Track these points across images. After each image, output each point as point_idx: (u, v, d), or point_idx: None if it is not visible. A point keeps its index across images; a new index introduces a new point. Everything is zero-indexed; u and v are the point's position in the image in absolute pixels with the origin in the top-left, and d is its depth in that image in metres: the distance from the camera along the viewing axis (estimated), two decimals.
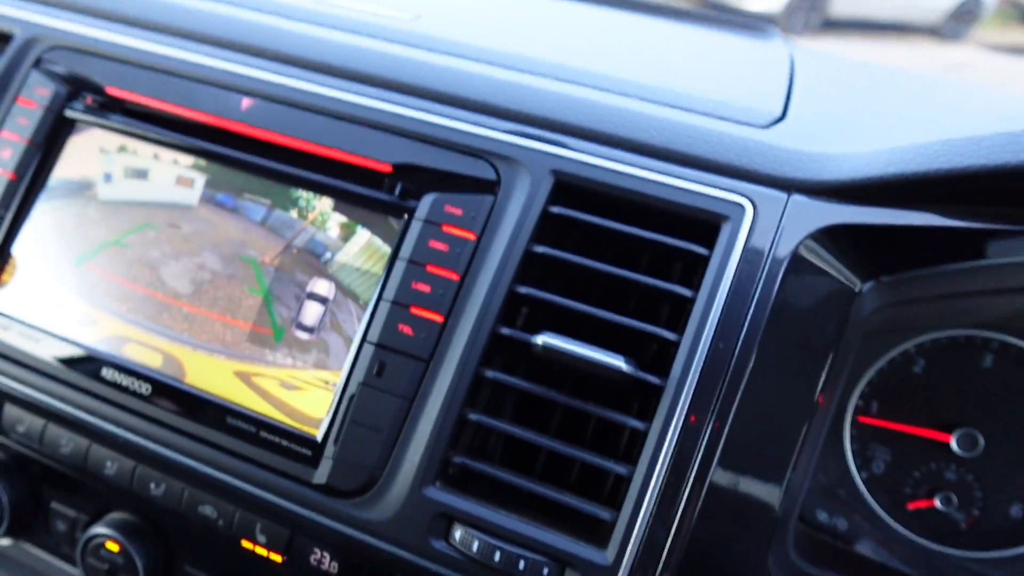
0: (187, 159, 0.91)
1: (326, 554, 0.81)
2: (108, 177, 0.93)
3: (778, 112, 0.87)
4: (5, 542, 0.98)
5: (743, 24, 1.47)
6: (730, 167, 0.77)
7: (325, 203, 0.86)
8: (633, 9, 1.39)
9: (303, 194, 0.86)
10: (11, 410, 0.93)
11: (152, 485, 0.87)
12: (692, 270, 0.79)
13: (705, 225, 0.77)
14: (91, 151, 0.94)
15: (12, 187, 0.93)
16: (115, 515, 0.90)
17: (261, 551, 0.84)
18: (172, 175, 0.91)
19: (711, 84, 0.95)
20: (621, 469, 0.72)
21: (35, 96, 0.96)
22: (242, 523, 0.83)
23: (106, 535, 0.88)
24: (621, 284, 0.78)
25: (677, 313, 0.78)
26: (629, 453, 0.75)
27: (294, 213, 0.86)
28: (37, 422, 0.91)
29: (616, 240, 0.79)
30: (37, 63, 0.98)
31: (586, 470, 0.78)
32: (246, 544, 0.84)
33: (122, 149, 0.94)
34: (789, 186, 0.76)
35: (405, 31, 0.98)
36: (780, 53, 1.22)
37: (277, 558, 0.83)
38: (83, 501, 0.93)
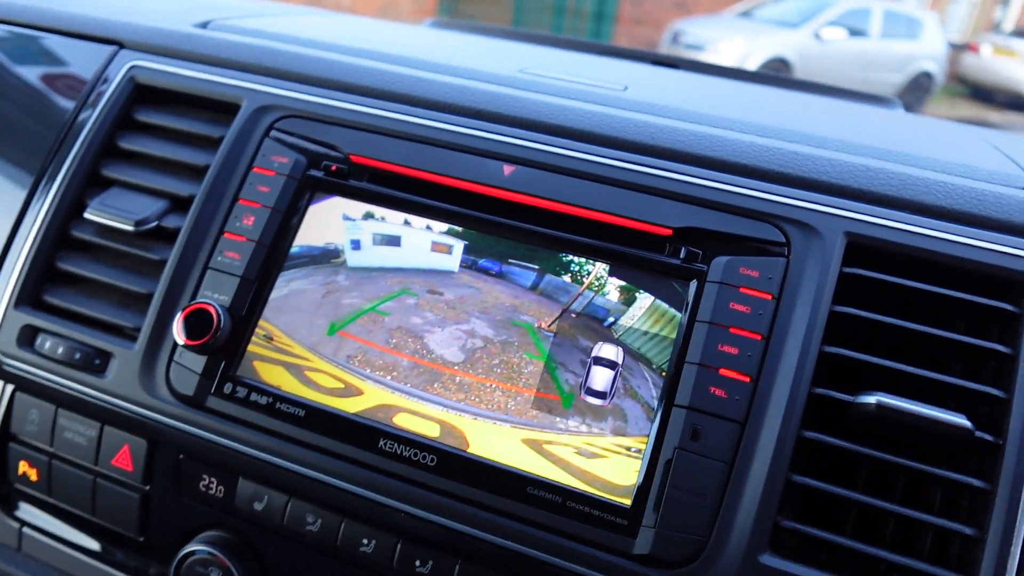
0: (441, 226, 0.91)
1: None
2: (356, 244, 0.92)
3: (1022, 173, 0.91)
4: None
5: (865, 97, 1.54)
6: (1020, 226, 0.80)
7: (599, 268, 0.86)
8: (776, 84, 1.45)
9: (574, 259, 0.86)
10: (246, 486, 0.89)
11: (418, 563, 0.83)
12: (980, 330, 0.80)
13: (1003, 283, 0.78)
14: (334, 219, 0.93)
15: (258, 254, 0.91)
16: None
17: None
18: (427, 241, 0.91)
19: (933, 148, 0.99)
20: (969, 531, 0.71)
21: (273, 164, 0.95)
22: None
23: None
24: (915, 343, 0.78)
25: (975, 371, 0.79)
26: (963, 516, 0.74)
27: (567, 278, 0.86)
28: (279, 498, 0.87)
29: (904, 299, 0.80)
30: (268, 132, 0.98)
31: (900, 534, 0.77)
32: None
33: (368, 216, 0.93)
34: None
35: (636, 100, 1.00)
36: (934, 124, 1.28)
37: None
38: None
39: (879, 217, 0.82)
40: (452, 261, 0.89)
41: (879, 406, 0.73)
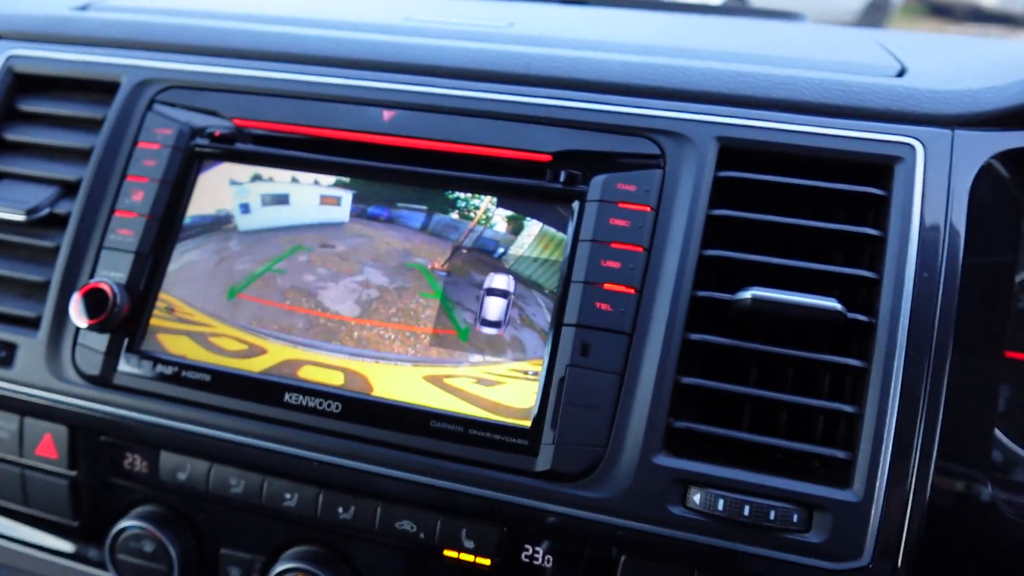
0: (328, 179, 0.91)
1: (539, 549, 0.80)
2: (245, 208, 0.92)
3: (897, 65, 0.92)
4: None
5: (772, 14, 1.54)
6: (887, 112, 0.81)
7: (487, 201, 0.86)
8: (673, 10, 1.45)
9: (460, 195, 0.87)
10: (168, 458, 0.89)
11: (340, 509, 0.85)
12: (859, 216, 0.82)
13: (873, 170, 0.80)
14: (222, 185, 0.93)
15: (150, 228, 0.91)
16: (301, 548, 0.87)
17: (467, 558, 0.82)
18: (315, 195, 0.91)
19: (816, 50, 1.00)
20: (849, 409, 0.73)
21: (157, 137, 0.95)
22: (445, 532, 0.82)
23: (299, 569, 0.85)
24: (796, 236, 0.80)
25: (854, 257, 0.81)
26: (848, 395, 0.76)
27: (455, 215, 0.87)
28: (201, 465, 0.88)
29: (784, 196, 0.82)
30: (150, 106, 0.97)
31: (793, 421, 0.79)
32: (449, 554, 0.83)
33: (256, 178, 0.93)
34: (950, 122, 0.80)
35: (519, 34, 1.00)
36: (832, 30, 1.29)
37: (485, 562, 0.82)
38: (256, 541, 0.90)
39: (749, 119, 0.83)
40: (342, 212, 0.90)
41: (754, 299, 0.75)
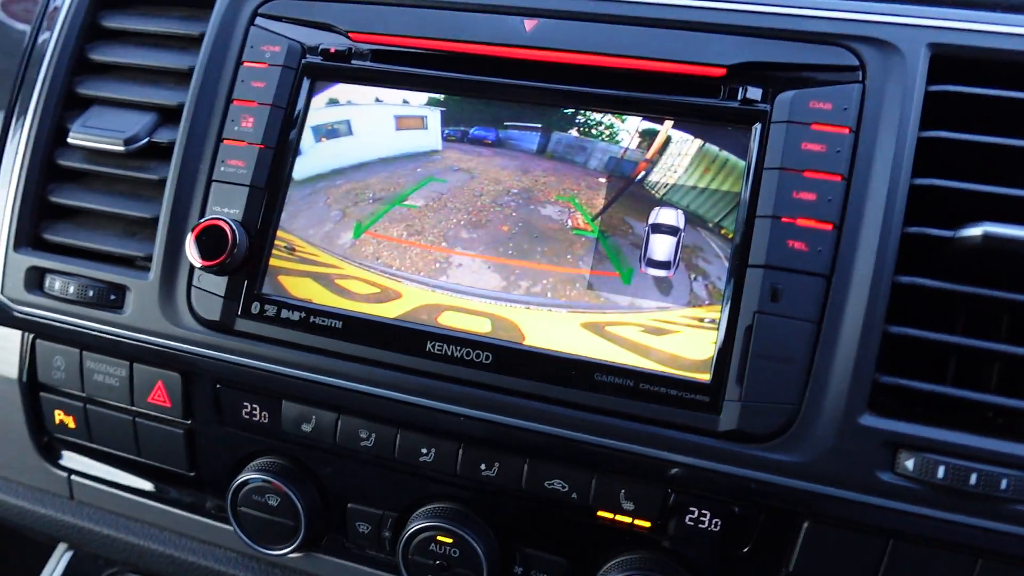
0: (458, 100, 0.80)
1: (706, 512, 0.73)
2: (369, 134, 0.82)
3: None
4: (296, 555, 0.89)
5: None
6: None
7: (647, 124, 0.75)
8: None
9: (614, 119, 0.76)
10: (291, 408, 0.83)
11: (483, 466, 0.78)
12: None
13: None
14: (340, 107, 0.83)
15: (264, 158, 0.82)
16: (436, 506, 0.81)
17: (624, 519, 0.75)
18: (439, 119, 0.81)
19: None
20: None
21: (265, 56, 0.85)
22: (601, 492, 0.75)
23: (436, 527, 0.78)
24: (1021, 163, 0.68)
25: None
26: None
27: (610, 140, 0.76)
28: (327, 417, 0.82)
29: (1009, 114, 0.70)
30: (253, 19, 0.87)
31: (1005, 377, 0.70)
32: (604, 515, 0.76)
33: (379, 100, 0.83)
34: None
35: None
36: None
37: (644, 524, 0.75)
38: (387, 496, 0.84)
39: (966, 21, 0.70)
40: (486, 135, 0.80)
41: (986, 237, 0.64)
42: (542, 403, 0.73)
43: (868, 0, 0.72)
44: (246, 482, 0.84)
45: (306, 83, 0.84)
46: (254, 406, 0.85)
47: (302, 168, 0.82)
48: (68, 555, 1.06)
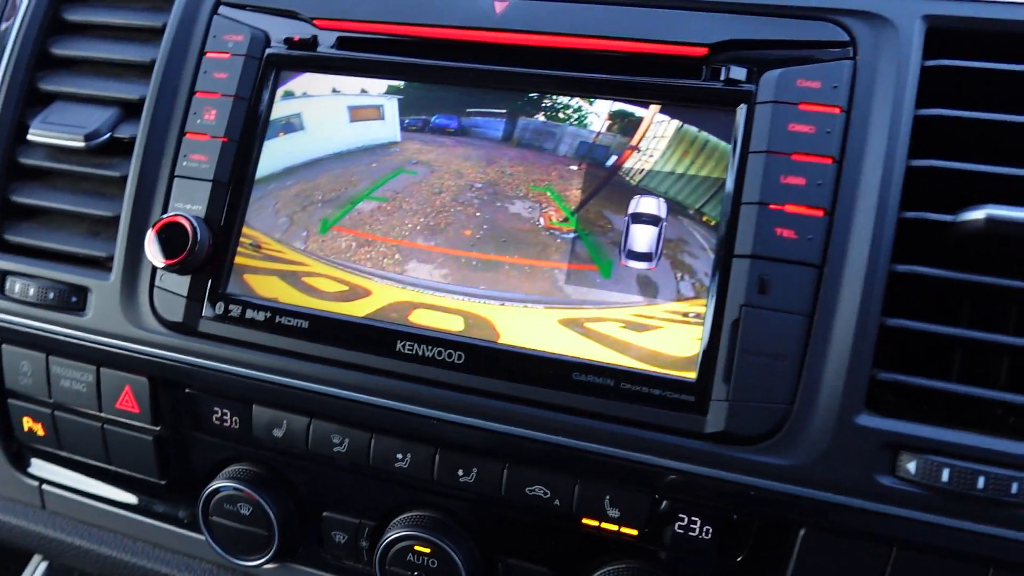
0: (425, 87, 0.76)
1: (696, 519, 0.68)
2: (336, 125, 0.79)
3: None
4: (271, 566, 0.85)
5: None
6: None
7: (625, 108, 0.71)
8: None
9: (582, 101, 0.72)
10: (262, 413, 0.79)
11: (460, 472, 0.74)
12: None
13: None
14: (306, 99, 0.79)
15: (227, 152, 0.79)
16: (414, 514, 0.77)
17: (610, 527, 0.71)
18: (396, 108, 0.77)
19: None
20: None
21: (227, 45, 0.81)
22: (585, 499, 0.70)
23: (414, 536, 0.74)
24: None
25: None
26: None
27: (579, 124, 0.72)
28: (299, 422, 0.78)
29: (1009, 89, 0.65)
30: (216, 8, 0.83)
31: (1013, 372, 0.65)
32: (589, 522, 0.72)
33: (336, 91, 0.79)
34: None
35: None
36: None
37: (631, 532, 0.71)
38: (363, 504, 0.80)
39: None
40: (447, 127, 0.76)
41: (990, 221, 0.59)
42: (518, 405, 0.69)
43: None
44: (217, 490, 0.81)
45: (272, 74, 0.80)
46: (224, 411, 0.81)
47: (263, 164, 0.79)
48: (43, 566, 1.03)
